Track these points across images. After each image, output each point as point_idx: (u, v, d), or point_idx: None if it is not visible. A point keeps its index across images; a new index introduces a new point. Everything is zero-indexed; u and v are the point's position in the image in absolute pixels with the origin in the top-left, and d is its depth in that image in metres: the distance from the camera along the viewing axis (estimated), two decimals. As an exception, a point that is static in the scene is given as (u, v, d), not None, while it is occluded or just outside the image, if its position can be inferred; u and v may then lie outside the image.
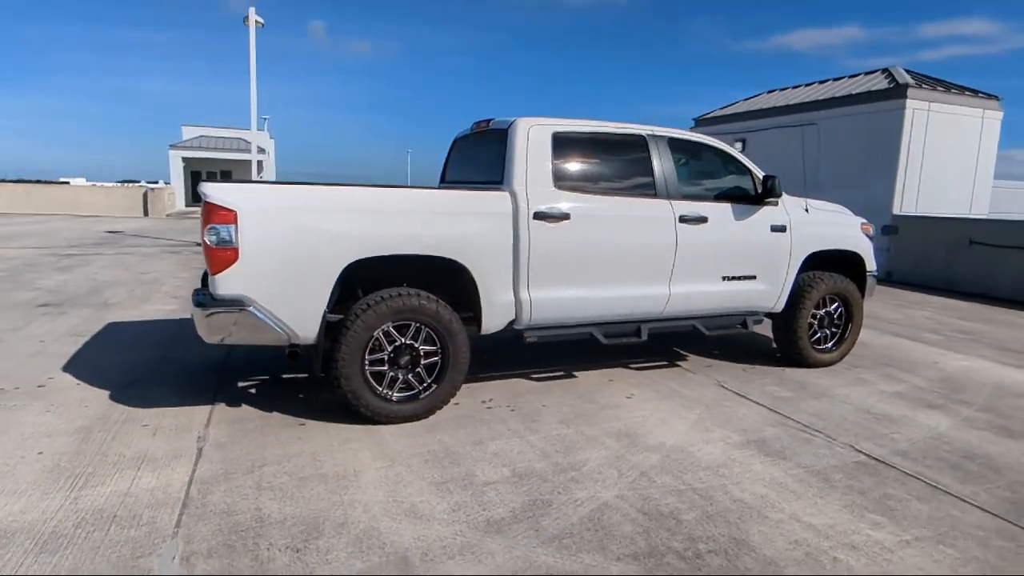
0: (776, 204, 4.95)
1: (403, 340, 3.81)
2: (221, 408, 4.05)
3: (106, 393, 4.24)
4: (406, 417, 3.83)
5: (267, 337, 3.55)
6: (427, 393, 3.89)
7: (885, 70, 11.92)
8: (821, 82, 13.55)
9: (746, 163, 4.91)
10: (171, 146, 36.01)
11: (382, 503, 2.89)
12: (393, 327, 3.78)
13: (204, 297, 3.49)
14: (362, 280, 3.94)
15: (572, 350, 5.45)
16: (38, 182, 36.54)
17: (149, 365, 4.90)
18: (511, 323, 4.22)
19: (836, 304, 5.31)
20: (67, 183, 41.80)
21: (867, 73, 12.44)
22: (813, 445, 3.69)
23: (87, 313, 6.74)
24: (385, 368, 3.79)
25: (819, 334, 5.29)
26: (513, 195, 4.05)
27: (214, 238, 3.37)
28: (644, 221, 4.42)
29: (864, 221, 5.51)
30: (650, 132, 4.58)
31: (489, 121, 4.62)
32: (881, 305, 8.55)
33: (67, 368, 4.77)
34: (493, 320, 4.11)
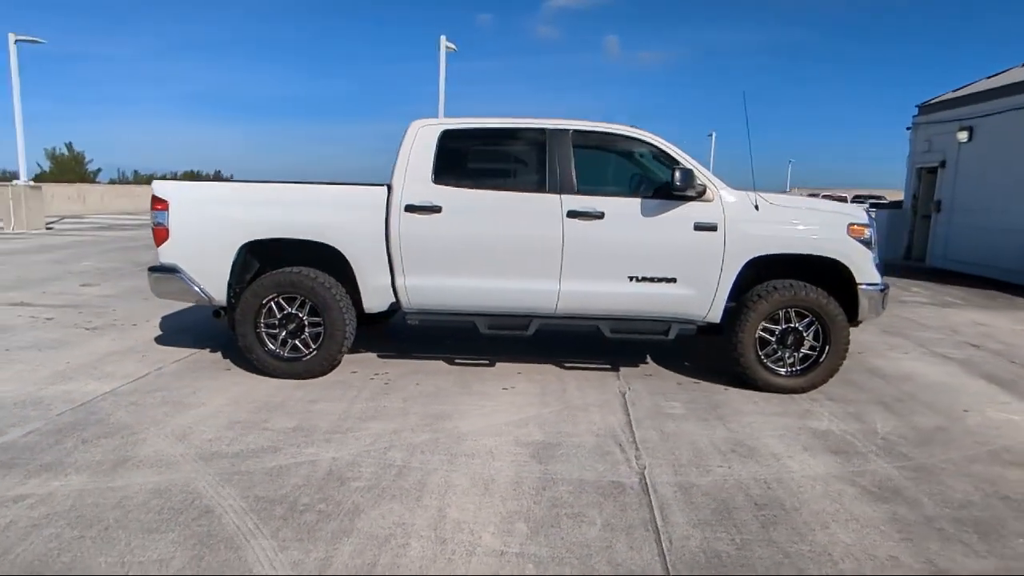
0: (711, 199, 4.34)
1: (290, 310, 4.57)
2: (202, 353, 5.32)
3: (158, 334, 5.88)
4: (288, 375, 4.58)
5: (193, 297, 4.65)
6: (308, 357, 4.58)
7: None
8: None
9: (678, 156, 4.40)
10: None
11: (178, 426, 3.70)
12: (283, 299, 4.56)
13: (156, 265, 4.74)
14: (287, 260, 4.79)
15: (550, 344, 5.50)
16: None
17: (208, 322, 6.49)
18: (394, 305, 4.65)
19: (807, 320, 4.38)
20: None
21: None
22: (604, 460, 3.37)
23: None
24: (277, 331, 4.60)
25: (778, 354, 4.43)
26: (390, 189, 4.47)
27: (154, 221, 4.59)
28: (524, 215, 4.39)
29: (857, 222, 4.37)
30: (553, 126, 4.48)
31: None
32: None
33: (164, 317, 6.63)
34: (372, 301, 4.60)
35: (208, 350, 5.37)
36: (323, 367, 4.60)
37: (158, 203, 4.56)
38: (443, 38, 14.56)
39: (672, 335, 4.47)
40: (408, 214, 4.42)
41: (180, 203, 4.54)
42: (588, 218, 4.34)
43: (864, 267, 4.34)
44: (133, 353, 5.22)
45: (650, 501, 2.94)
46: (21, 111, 16.59)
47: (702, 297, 4.41)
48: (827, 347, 4.36)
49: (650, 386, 4.61)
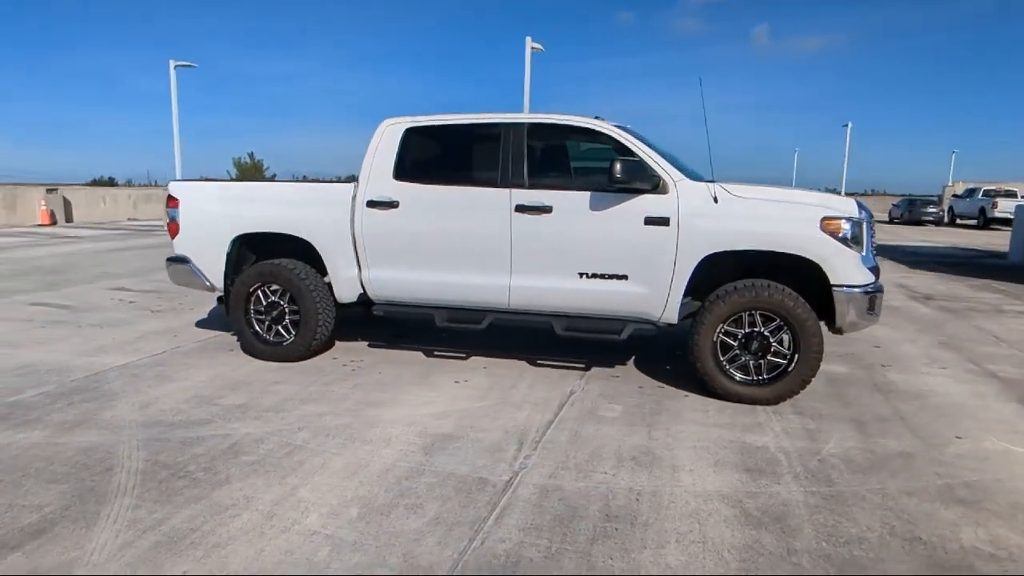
0: (666, 192, 4.04)
1: (274, 298, 4.96)
2: (223, 336, 5.90)
3: (202, 318, 6.62)
4: (272, 357, 4.97)
5: (200, 285, 5.21)
6: (288, 342, 4.94)
7: None
8: None
9: (633, 147, 4.15)
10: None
11: (149, 396, 4.19)
12: (268, 288, 4.96)
13: (171, 256, 5.36)
14: (279, 253, 5.20)
15: (537, 340, 5.47)
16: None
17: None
18: (363, 296, 4.86)
19: (776, 325, 3.93)
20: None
21: None
22: (491, 456, 3.32)
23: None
24: (263, 318, 5.01)
25: (741, 361, 4.02)
26: (356, 185, 4.69)
27: (169, 217, 5.20)
28: (474, 209, 4.38)
29: (832, 215, 3.80)
30: (511, 120, 4.42)
31: None
32: None
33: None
34: (343, 291, 4.85)
35: (230, 333, 5.97)
36: (300, 352, 4.94)
37: (171, 201, 5.17)
38: (528, 39, 14.67)
39: (625, 335, 4.24)
40: (369, 209, 4.61)
41: (187, 201, 5.11)
42: (535, 212, 4.25)
43: (840, 266, 3.81)
44: (169, 333, 5.95)
45: (499, 500, 2.86)
46: (179, 126, 19.35)
47: (655, 296, 4.13)
48: (796, 355, 3.90)
49: (607, 387, 4.41)
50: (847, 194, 28.56)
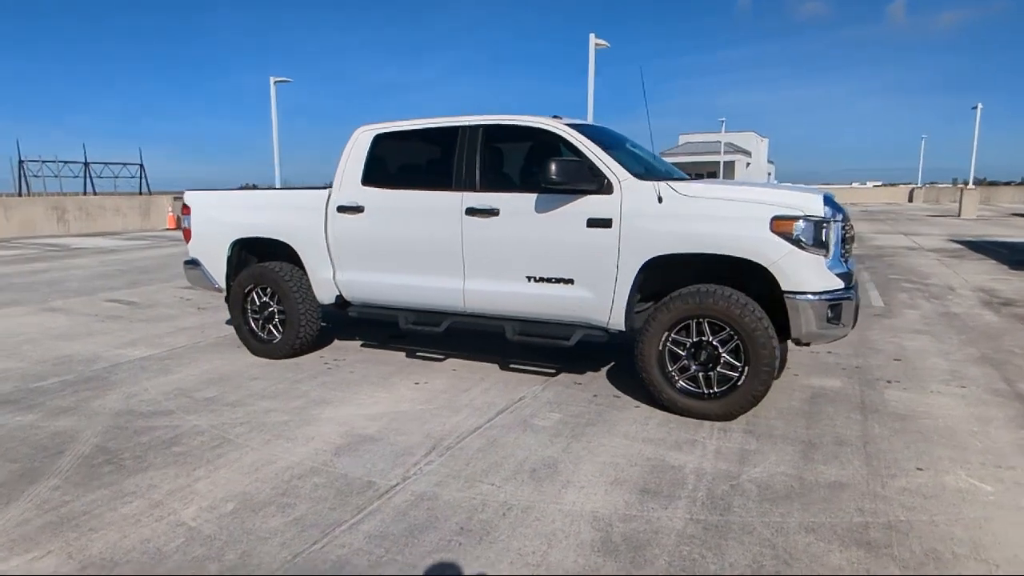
0: (611, 192, 3.81)
1: (266, 299, 5.26)
2: (245, 332, 6.35)
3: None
4: (266, 354, 5.28)
5: (209, 286, 5.64)
6: (276, 341, 5.22)
7: None
8: None
9: (584, 148, 3.95)
10: (661, 152, 40.89)
11: (139, 387, 4.62)
12: (262, 290, 5.27)
13: (187, 258, 5.84)
14: (276, 256, 5.51)
15: (526, 344, 5.41)
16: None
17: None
18: (339, 298, 5.02)
19: (725, 334, 3.58)
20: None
21: None
22: (394, 460, 3.33)
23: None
24: (258, 317, 5.33)
25: (689, 372, 3.70)
26: (329, 192, 4.85)
27: (183, 223, 5.67)
28: (429, 213, 4.38)
29: (784, 215, 3.36)
30: (467, 123, 4.38)
31: None
32: None
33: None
34: (322, 293, 5.04)
35: (250, 330, 6.41)
36: (285, 350, 5.20)
37: (185, 208, 5.64)
38: (592, 36, 14.32)
39: (573, 341, 4.07)
40: (339, 214, 4.77)
41: (198, 208, 5.55)
42: (484, 215, 4.19)
43: (793, 270, 3.40)
44: (197, 329, 6.48)
45: (369, 506, 2.86)
46: (278, 136, 20.92)
47: (600, 301, 3.92)
48: (747, 367, 3.54)
49: (561, 395, 4.25)
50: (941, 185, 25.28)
